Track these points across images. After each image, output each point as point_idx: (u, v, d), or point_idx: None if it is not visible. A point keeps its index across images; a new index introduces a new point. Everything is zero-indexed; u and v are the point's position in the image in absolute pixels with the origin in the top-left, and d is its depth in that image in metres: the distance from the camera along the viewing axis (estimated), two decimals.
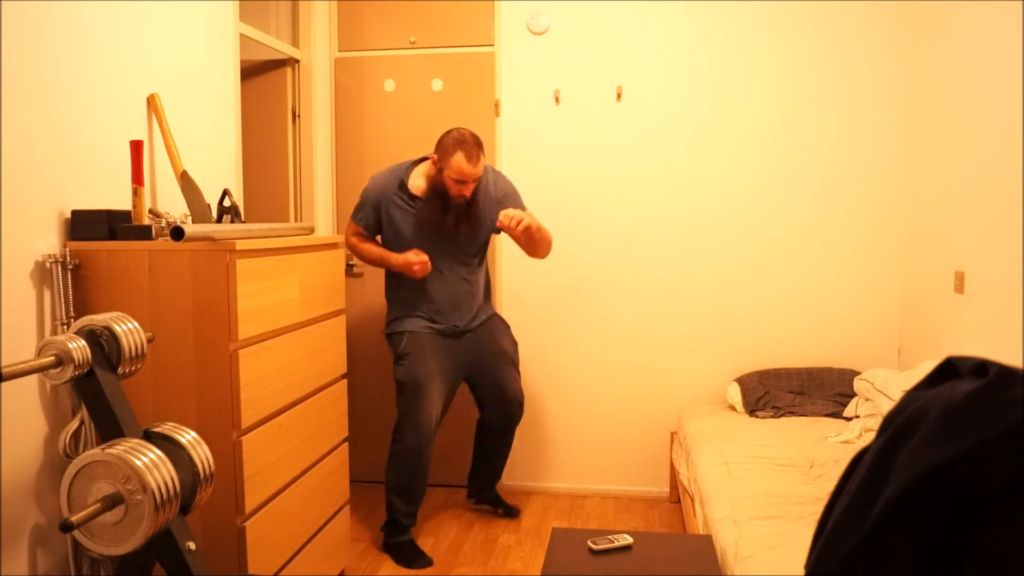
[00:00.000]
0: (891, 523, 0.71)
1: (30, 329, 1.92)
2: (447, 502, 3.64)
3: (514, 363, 3.27)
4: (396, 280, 3.12)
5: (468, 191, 2.95)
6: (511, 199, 3.10)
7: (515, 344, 3.29)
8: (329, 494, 2.60)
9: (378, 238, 3.14)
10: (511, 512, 3.50)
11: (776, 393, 3.35)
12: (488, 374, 3.20)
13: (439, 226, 2.99)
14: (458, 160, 2.85)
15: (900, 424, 0.77)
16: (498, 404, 3.26)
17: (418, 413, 2.99)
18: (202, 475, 1.69)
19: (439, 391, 3.04)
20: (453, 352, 3.10)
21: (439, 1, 3.70)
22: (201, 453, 1.70)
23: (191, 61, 2.62)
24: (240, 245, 1.99)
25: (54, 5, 1.99)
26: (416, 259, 2.93)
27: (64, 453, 1.93)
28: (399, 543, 3.05)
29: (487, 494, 3.53)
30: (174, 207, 2.49)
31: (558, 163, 3.66)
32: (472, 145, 2.87)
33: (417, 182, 3.03)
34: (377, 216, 3.06)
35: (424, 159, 3.08)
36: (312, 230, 2.61)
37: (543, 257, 3.14)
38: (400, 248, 3.03)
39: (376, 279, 3.82)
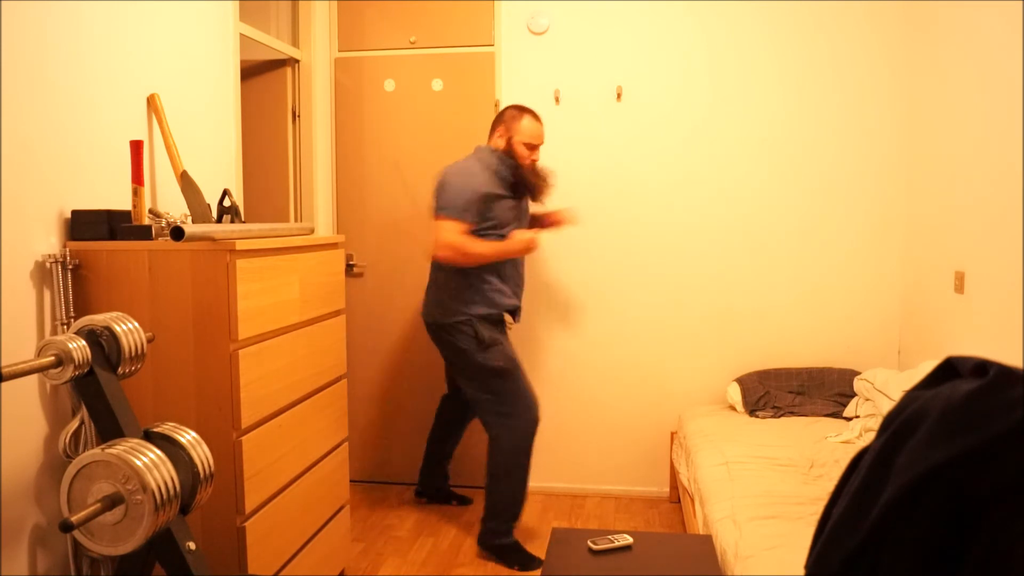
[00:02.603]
0: (891, 523, 0.71)
1: (30, 329, 1.92)
2: None
3: None
4: (475, 269, 2.97)
5: (537, 155, 3.05)
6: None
7: None
8: (329, 494, 2.60)
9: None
10: (464, 500, 3.57)
11: (776, 393, 3.35)
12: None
13: (521, 199, 3.05)
14: (528, 122, 3.00)
15: (900, 424, 0.77)
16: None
17: (527, 390, 3.02)
18: (202, 475, 1.69)
19: None
20: None
21: (439, 1, 3.70)
22: (201, 453, 1.70)
23: (191, 61, 2.62)
24: (240, 245, 1.99)
25: (54, 5, 1.99)
26: (529, 235, 2.94)
27: (64, 453, 1.93)
28: (510, 544, 3.01)
29: (443, 489, 3.57)
30: (174, 207, 2.49)
31: (558, 163, 3.65)
32: (533, 111, 3.05)
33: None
34: (482, 207, 2.92)
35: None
36: (312, 230, 2.61)
37: None
38: (500, 237, 3.00)
39: (377, 279, 3.83)
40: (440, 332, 3.04)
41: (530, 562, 2.98)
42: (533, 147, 3.02)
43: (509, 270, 3.06)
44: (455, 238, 2.86)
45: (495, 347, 2.97)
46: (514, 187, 3.02)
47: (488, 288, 2.98)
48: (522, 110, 3.03)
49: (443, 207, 2.89)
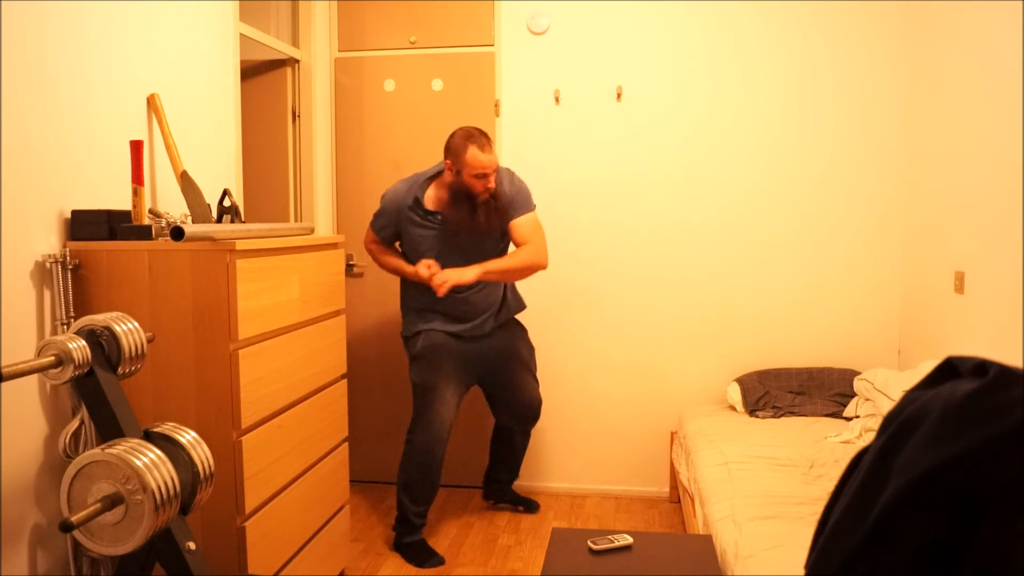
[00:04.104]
0: (891, 523, 0.71)
1: (30, 329, 1.92)
2: (447, 502, 3.64)
3: (530, 369, 3.31)
4: (414, 285, 3.09)
5: (492, 182, 2.93)
6: (518, 201, 3.03)
7: (531, 349, 3.34)
8: (329, 494, 2.60)
9: (397, 245, 3.18)
10: (531, 507, 3.55)
11: (776, 393, 3.35)
12: (502, 379, 3.23)
13: (471, 229, 2.95)
14: (473, 154, 2.84)
15: (900, 424, 0.77)
16: (512, 409, 3.30)
17: (430, 413, 3.01)
18: (202, 475, 1.69)
19: (453, 393, 3.06)
20: (468, 355, 3.11)
21: (439, 1, 3.70)
22: (201, 453, 1.70)
23: (191, 61, 2.62)
24: (240, 245, 1.99)
25: (54, 5, 1.99)
26: (426, 272, 2.90)
27: (64, 453, 1.93)
28: (410, 543, 3.06)
29: (504, 494, 3.55)
30: (174, 207, 2.49)
31: (558, 163, 3.66)
32: (480, 136, 2.88)
33: (435, 194, 2.99)
34: (396, 229, 3.07)
35: (439, 173, 3.01)
36: (312, 230, 2.61)
37: (524, 278, 3.12)
38: (419, 260, 3.01)
39: (377, 279, 3.83)
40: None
41: (427, 560, 3.00)
42: (484, 176, 2.88)
43: (456, 303, 3.04)
44: (366, 242, 3.20)
45: (417, 362, 3.07)
46: (470, 209, 2.94)
47: (415, 309, 3.12)
48: (468, 139, 2.85)
49: (374, 214, 3.15)
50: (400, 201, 3.01)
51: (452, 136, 2.92)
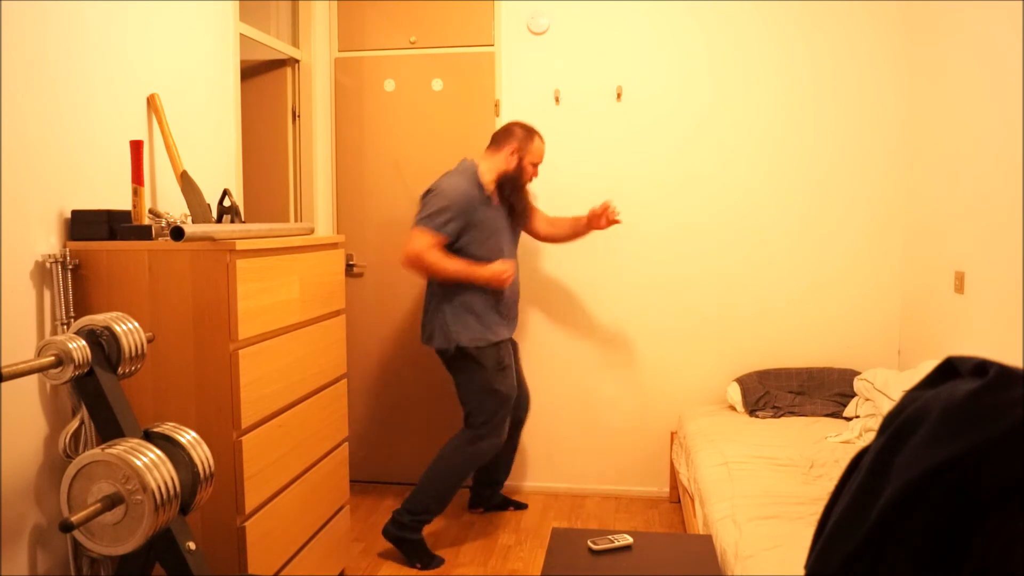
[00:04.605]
0: (891, 523, 0.71)
1: (30, 329, 1.92)
2: None
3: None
4: (471, 289, 2.97)
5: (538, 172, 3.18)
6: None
7: None
8: (329, 494, 2.60)
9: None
10: (520, 505, 3.58)
11: (776, 393, 3.35)
12: (519, 376, 3.30)
13: (526, 210, 3.18)
14: (539, 144, 3.11)
15: (900, 424, 0.77)
16: (522, 403, 3.35)
17: (502, 425, 3.05)
18: (202, 475, 1.69)
19: None
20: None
21: (439, 1, 3.70)
22: (201, 453, 1.70)
23: (191, 61, 2.62)
24: (240, 245, 1.99)
25: (54, 5, 1.99)
26: (502, 267, 2.89)
27: (64, 453, 1.93)
28: (414, 540, 3.01)
29: (494, 498, 3.53)
30: (174, 207, 2.49)
31: (558, 163, 3.66)
32: (536, 129, 3.17)
33: (487, 181, 3.06)
34: (464, 221, 2.93)
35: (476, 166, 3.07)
36: (312, 230, 2.61)
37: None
38: (492, 250, 2.98)
39: (377, 279, 3.83)
40: (461, 356, 3.01)
41: (431, 561, 2.99)
42: (537, 164, 3.14)
43: (507, 302, 3.07)
44: (422, 249, 2.88)
45: (505, 371, 3.04)
46: (509, 205, 3.10)
47: (476, 314, 2.99)
48: (531, 131, 3.09)
49: (423, 217, 2.92)
50: (468, 192, 2.94)
51: (512, 126, 3.10)
